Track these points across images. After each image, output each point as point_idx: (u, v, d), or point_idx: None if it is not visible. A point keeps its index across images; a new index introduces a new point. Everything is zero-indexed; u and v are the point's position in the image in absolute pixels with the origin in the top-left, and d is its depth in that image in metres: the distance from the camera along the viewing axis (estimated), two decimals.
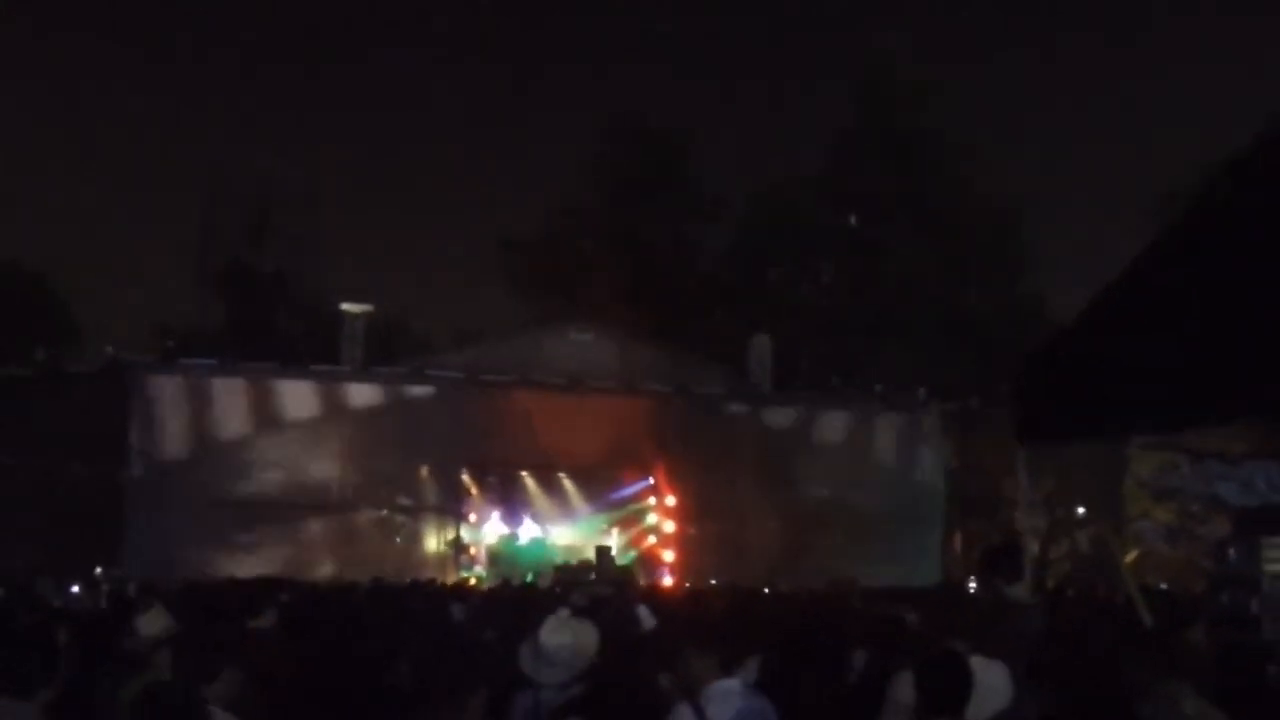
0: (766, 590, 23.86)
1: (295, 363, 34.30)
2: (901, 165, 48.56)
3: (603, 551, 31.46)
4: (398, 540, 33.17)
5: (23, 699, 6.82)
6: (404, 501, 33.35)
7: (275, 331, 47.31)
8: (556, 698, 7.53)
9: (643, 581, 30.49)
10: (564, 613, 10.35)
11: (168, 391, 32.34)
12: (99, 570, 26.56)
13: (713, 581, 29.08)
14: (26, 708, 6.82)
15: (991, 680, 7.87)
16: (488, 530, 33.96)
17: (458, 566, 32.81)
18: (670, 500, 34.54)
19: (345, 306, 35.02)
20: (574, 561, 31.45)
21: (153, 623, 9.09)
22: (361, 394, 33.38)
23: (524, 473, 34.06)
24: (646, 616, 13.14)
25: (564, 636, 8.05)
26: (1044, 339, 8.79)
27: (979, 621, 9.34)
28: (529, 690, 7.99)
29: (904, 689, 7.47)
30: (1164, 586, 27.81)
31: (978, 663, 7.52)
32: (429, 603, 16.56)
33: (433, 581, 24.82)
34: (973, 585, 24.05)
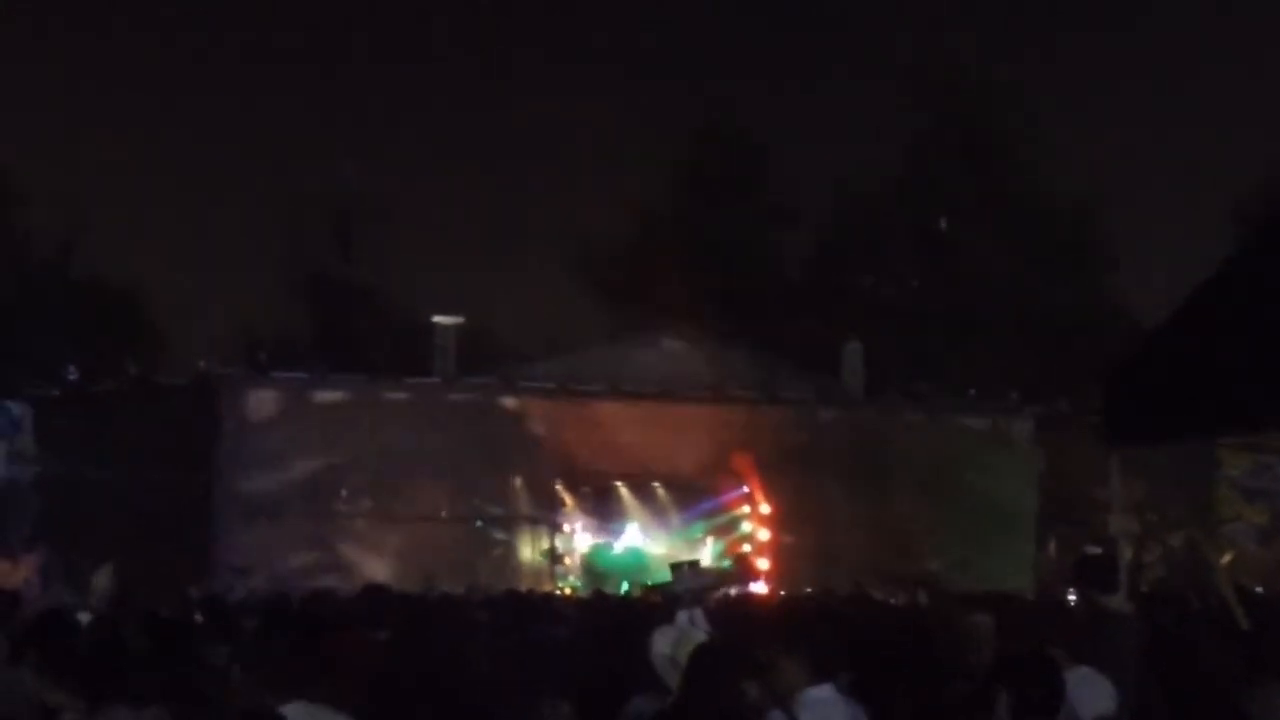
0: (861, 597, 23.80)
1: (386, 375, 34.43)
2: (979, 164, 48.34)
3: (677, 566, 31.59)
4: (492, 551, 33.31)
5: (136, 707, 6.93)
6: (497, 512, 33.48)
7: (363, 343, 47.47)
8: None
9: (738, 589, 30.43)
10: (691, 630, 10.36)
11: (260, 404, 32.58)
12: (190, 587, 26.73)
13: (807, 589, 29.02)
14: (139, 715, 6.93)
15: (1090, 688, 7.86)
16: (581, 540, 33.99)
17: (553, 576, 32.89)
18: (765, 508, 34.46)
19: (437, 319, 35.15)
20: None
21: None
22: (453, 405, 33.50)
23: (617, 482, 34.06)
24: (700, 618, 13.22)
25: (681, 646, 8.11)
26: (1133, 341, 8.77)
27: (1076, 631, 9.31)
28: (651, 694, 8.06)
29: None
30: (1259, 589, 27.52)
31: (1077, 671, 7.52)
32: (526, 613, 16.62)
33: (531, 592, 24.92)
34: (1071, 595, 23.91)
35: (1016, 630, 10.05)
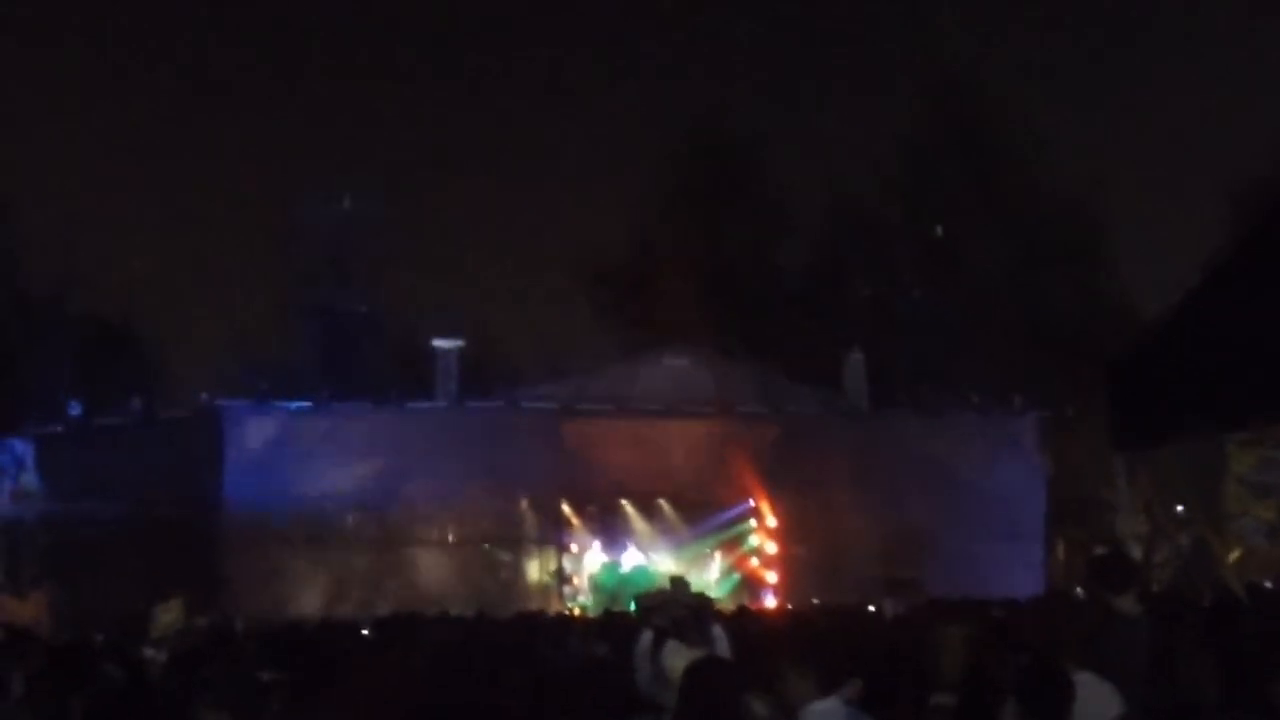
0: (870, 609, 23.81)
1: (388, 400, 34.42)
2: (977, 166, 48.32)
3: (677, 580, 31.48)
4: (500, 574, 33.32)
5: None
6: (504, 534, 33.49)
7: (366, 369, 47.45)
8: None
9: (746, 603, 30.39)
10: (648, 636, 10.29)
11: (261, 433, 32.56)
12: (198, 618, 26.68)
13: (814, 601, 29.02)
14: None
15: (1099, 690, 7.84)
16: (590, 560, 33.97)
17: (561, 597, 32.88)
18: (771, 521, 34.46)
19: (437, 342, 35.16)
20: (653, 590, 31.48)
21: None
22: (457, 429, 33.47)
23: (624, 500, 34.02)
24: (721, 638, 13.22)
25: (683, 660, 8.07)
26: (1132, 340, 8.73)
27: (1086, 633, 9.28)
28: (647, 714, 8.04)
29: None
30: (1268, 584, 27.51)
31: (1080, 677, 7.49)
32: (540, 634, 16.64)
33: (541, 613, 24.91)
34: (1079, 593, 23.88)
35: (1023, 634, 10.03)
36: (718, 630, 14.15)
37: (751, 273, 51.76)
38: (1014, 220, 47.95)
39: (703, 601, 20.21)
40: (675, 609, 14.71)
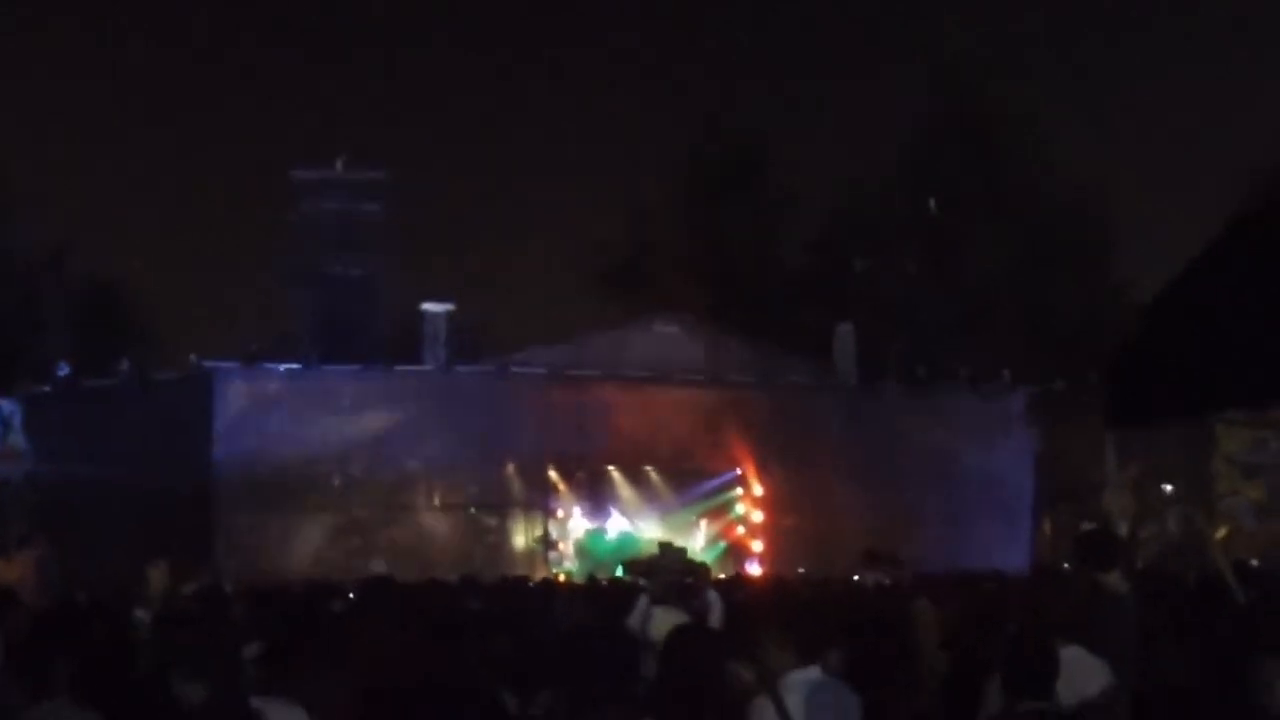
0: (855, 579, 23.82)
1: (378, 363, 34.38)
2: (980, 153, 48.34)
3: (666, 545, 31.39)
4: (486, 538, 33.33)
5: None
6: (491, 499, 33.48)
7: (359, 334, 47.49)
8: None
9: (730, 572, 30.44)
10: (644, 602, 10.25)
11: (252, 396, 32.51)
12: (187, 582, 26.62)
13: (800, 571, 29.07)
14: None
15: (1085, 665, 7.85)
16: (575, 526, 33.98)
17: (546, 563, 32.90)
18: (758, 490, 34.50)
19: (426, 306, 35.11)
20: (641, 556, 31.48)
21: None
22: (445, 393, 33.45)
23: (611, 467, 34.05)
24: (716, 602, 13.22)
25: (667, 626, 8.05)
26: (1131, 321, 8.72)
27: (1073, 609, 9.29)
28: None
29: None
30: (1254, 563, 27.58)
31: (1068, 651, 7.50)
32: (525, 599, 16.65)
33: (525, 579, 24.92)
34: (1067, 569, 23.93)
35: (1010, 608, 10.04)
36: (713, 596, 14.15)
37: (749, 250, 51.82)
38: (1016, 206, 48.02)
39: (696, 568, 20.26)
40: (667, 575, 14.76)
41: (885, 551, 29.51)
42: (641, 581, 14.56)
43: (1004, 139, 48.29)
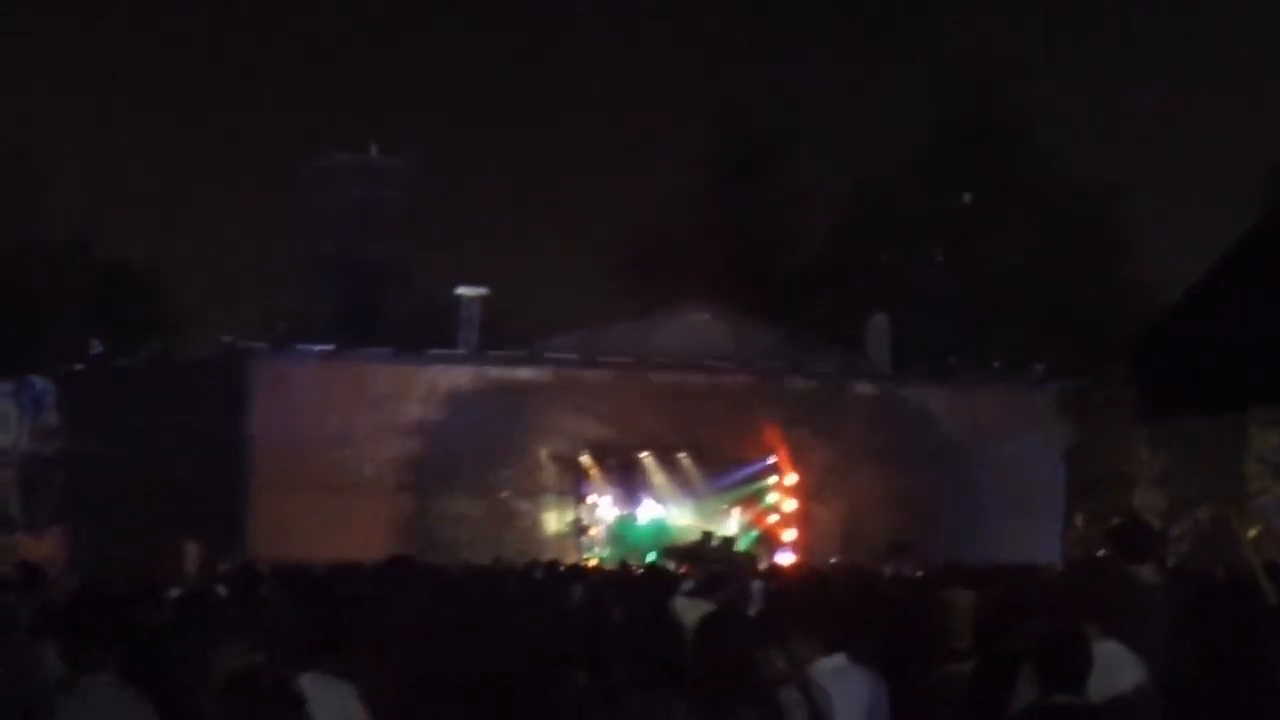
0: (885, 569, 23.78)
1: (411, 347, 34.42)
2: (1003, 145, 48.20)
3: (708, 534, 31.35)
4: (518, 523, 33.36)
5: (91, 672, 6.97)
6: (523, 485, 33.50)
7: (388, 317, 47.49)
8: None
9: (763, 561, 30.38)
10: (686, 588, 10.23)
11: (282, 377, 32.59)
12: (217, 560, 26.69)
13: (832, 560, 29.00)
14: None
15: (1118, 659, 7.81)
16: (607, 512, 33.98)
17: (578, 548, 32.91)
18: (791, 479, 34.44)
19: (460, 290, 35.15)
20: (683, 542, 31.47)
21: None
22: (478, 378, 33.51)
23: (643, 454, 34.04)
24: (758, 591, 13.19)
25: (697, 614, 8.03)
26: (1161, 314, 8.67)
27: (1106, 600, 9.25)
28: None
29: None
30: None
31: (1102, 646, 7.47)
32: (552, 584, 16.64)
33: (555, 563, 24.92)
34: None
35: (1044, 602, 10.00)
36: (756, 585, 14.15)
37: (774, 238, 51.80)
38: (1037, 197, 47.92)
39: (733, 557, 20.21)
40: (710, 563, 14.75)
41: (906, 543, 29.57)
42: (682, 568, 14.56)
43: (1027, 131, 48.16)
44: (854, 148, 55.32)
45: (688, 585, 13.34)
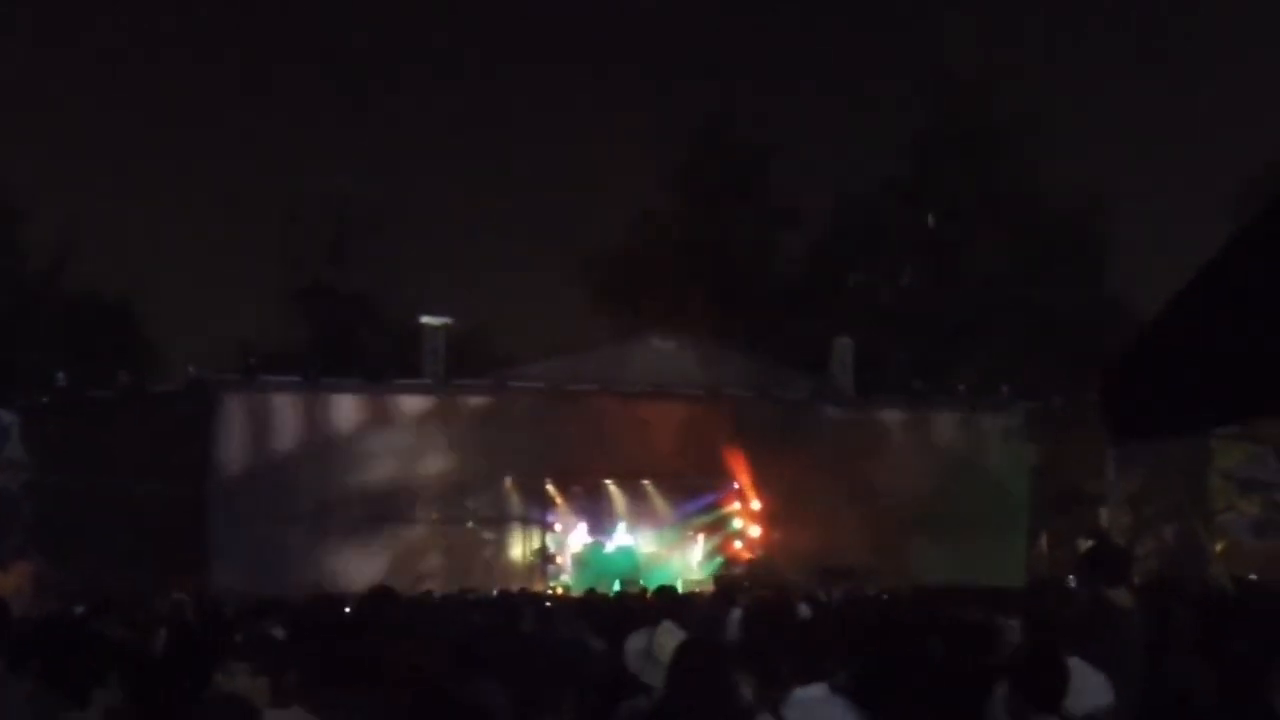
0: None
1: (377, 378, 34.39)
2: (978, 164, 48.24)
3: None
4: (484, 552, 33.35)
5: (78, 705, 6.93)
6: (489, 513, 33.51)
7: (358, 348, 47.41)
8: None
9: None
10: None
11: (250, 409, 32.56)
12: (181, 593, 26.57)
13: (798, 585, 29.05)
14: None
15: (1084, 681, 7.83)
16: (573, 539, 33.97)
17: (544, 576, 32.92)
18: (755, 505, 34.48)
19: (424, 319, 35.14)
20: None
21: None
22: (444, 407, 33.53)
23: (608, 481, 34.06)
24: (736, 620, 13.15)
25: (674, 640, 8.00)
26: (1130, 335, 8.71)
27: (1079, 622, 9.29)
28: (640, 694, 8.01)
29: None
30: (1253, 577, 27.65)
31: (1075, 662, 7.49)
32: (525, 612, 16.61)
33: (524, 591, 24.90)
34: (1071, 582, 23.95)
35: (1009, 621, 10.03)
36: (735, 613, 14.14)
37: (747, 263, 51.78)
38: (1014, 217, 47.96)
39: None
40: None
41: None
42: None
43: (1001, 150, 48.20)
44: (830, 169, 55.40)
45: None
